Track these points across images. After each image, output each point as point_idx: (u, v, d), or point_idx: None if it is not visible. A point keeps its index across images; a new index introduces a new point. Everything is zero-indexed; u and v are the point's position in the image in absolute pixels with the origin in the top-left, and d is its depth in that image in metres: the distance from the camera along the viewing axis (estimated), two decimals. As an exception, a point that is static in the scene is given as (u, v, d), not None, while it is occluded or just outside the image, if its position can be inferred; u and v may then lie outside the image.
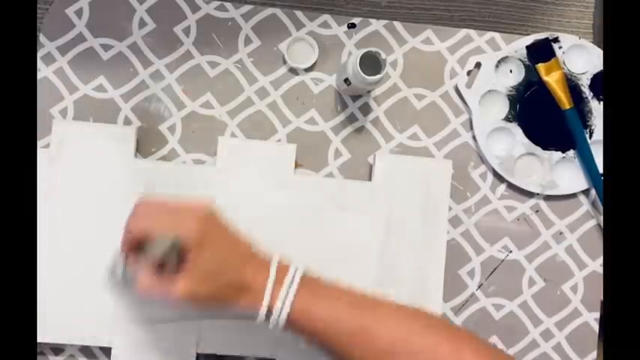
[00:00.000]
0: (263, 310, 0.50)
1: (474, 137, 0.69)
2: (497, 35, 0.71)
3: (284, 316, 0.49)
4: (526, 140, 0.69)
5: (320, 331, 0.50)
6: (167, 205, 0.52)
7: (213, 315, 0.58)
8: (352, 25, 0.70)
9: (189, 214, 0.51)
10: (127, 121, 0.67)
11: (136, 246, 0.52)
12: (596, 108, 0.70)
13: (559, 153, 0.69)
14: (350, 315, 0.50)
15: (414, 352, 0.48)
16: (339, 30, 0.70)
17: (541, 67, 0.69)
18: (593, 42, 0.71)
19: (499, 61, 0.70)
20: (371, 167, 0.67)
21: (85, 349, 0.64)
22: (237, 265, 0.51)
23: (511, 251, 0.69)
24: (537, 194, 0.69)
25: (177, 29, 0.68)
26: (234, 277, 0.50)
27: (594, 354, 0.68)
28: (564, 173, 0.69)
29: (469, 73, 0.70)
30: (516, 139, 0.69)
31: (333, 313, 0.50)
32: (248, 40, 0.69)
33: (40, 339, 0.61)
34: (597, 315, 0.68)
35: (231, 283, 0.50)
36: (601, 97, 0.70)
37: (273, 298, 0.50)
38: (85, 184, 0.62)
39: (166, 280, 0.50)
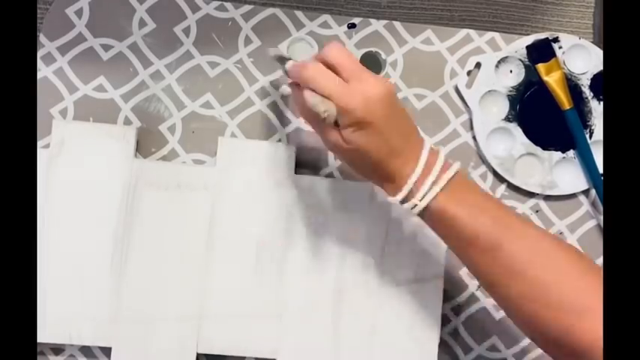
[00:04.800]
0: (403, 194, 0.51)
1: (473, 137, 0.69)
2: (497, 35, 0.71)
3: (418, 209, 0.51)
4: (526, 140, 0.69)
5: (453, 234, 0.51)
6: (351, 70, 0.52)
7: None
8: (352, 25, 0.70)
9: (366, 91, 0.51)
10: (127, 121, 0.67)
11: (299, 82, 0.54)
12: (596, 108, 0.70)
13: (559, 153, 0.69)
14: (489, 228, 0.50)
15: (546, 282, 0.48)
16: (339, 30, 0.70)
17: (541, 67, 0.69)
18: (593, 42, 0.71)
19: (499, 61, 0.70)
20: (371, 167, 0.67)
21: (85, 349, 0.64)
22: (388, 154, 0.52)
23: (511, 251, 0.68)
24: (537, 194, 0.69)
25: (177, 29, 0.68)
26: (383, 165, 0.52)
27: (594, 354, 0.68)
28: (564, 173, 0.69)
29: (469, 73, 0.70)
30: (516, 139, 0.69)
31: (472, 222, 0.50)
32: (248, 40, 0.69)
33: (40, 339, 0.61)
34: (597, 315, 0.68)
35: (378, 169, 0.52)
36: (601, 97, 0.70)
37: (415, 188, 0.51)
38: (85, 184, 0.63)
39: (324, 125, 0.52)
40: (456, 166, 0.52)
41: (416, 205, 0.51)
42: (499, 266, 0.50)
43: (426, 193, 0.51)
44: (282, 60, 0.57)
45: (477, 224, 0.50)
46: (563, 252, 0.51)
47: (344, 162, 0.55)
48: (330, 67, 0.52)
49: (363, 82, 0.51)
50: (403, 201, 0.52)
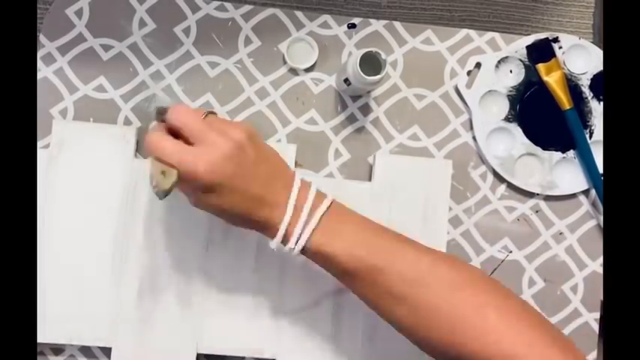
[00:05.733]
0: (277, 241, 0.51)
1: (473, 137, 0.69)
2: (497, 35, 0.71)
3: (296, 252, 0.51)
4: (526, 140, 0.69)
5: (333, 270, 0.51)
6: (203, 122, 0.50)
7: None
8: (352, 26, 0.70)
9: (209, 153, 0.49)
10: (127, 121, 0.67)
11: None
12: (596, 108, 0.70)
13: (559, 153, 0.69)
14: (366, 258, 0.50)
15: (428, 303, 0.48)
16: (339, 30, 0.70)
17: (541, 67, 0.69)
18: (593, 42, 0.71)
19: (499, 62, 0.70)
20: (371, 167, 0.67)
21: (85, 349, 0.64)
22: (250, 206, 0.50)
23: (511, 251, 0.69)
24: (537, 194, 0.69)
25: (177, 29, 0.68)
26: (250, 217, 0.51)
27: (594, 354, 0.68)
28: (564, 173, 0.69)
29: (469, 73, 0.70)
30: (516, 139, 0.69)
31: (348, 255, 0.50)
32: (248, 40, 0.69)
33: (40, 339, 0.61)
34: (597, 315, 0.68)
35: (246, 221, 0.51)
36: (601, 97, 0.70)
37: (289, 232, 0.50)
38: (85, 184, 0.63)
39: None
40: (327, 202, 0.52)
41: (293, 248, 0.51)
42: (381, 292, 0.50)
43: (299, 236, 0.50)
44: (161, 113, 0.54)
45: (352, 257, 0.50)
46: (443, 267, 0.51)
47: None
48: (175, 131, 0.51)
49: (206, 144, 0.49)
50: (281, 245, 0.51)
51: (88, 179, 0.63)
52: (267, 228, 0.51)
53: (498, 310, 0.48)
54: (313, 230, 0.50)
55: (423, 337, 0.49)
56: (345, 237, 0.51)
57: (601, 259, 0.69)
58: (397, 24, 0.70)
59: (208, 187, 0.49)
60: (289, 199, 0.51)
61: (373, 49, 0.59)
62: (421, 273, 0.50)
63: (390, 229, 0.53)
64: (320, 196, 0.52)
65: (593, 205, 0.70)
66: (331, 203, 0.52)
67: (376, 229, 0.53)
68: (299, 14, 0.70)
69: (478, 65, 0.70)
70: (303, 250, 0.51)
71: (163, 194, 0.48)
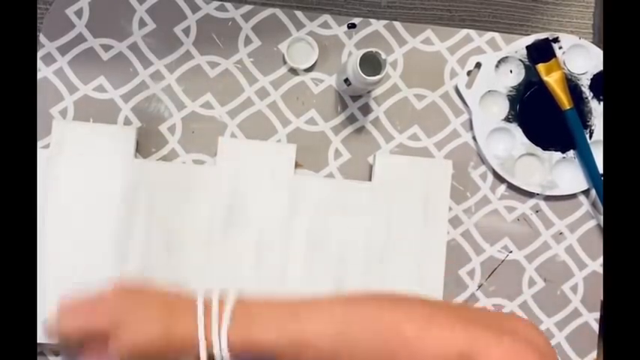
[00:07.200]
0: (203, 355, 0.48)
1: (473, 137, 0.69)
2: (497, 35, 0.71)
3: (226, 354, 0.48)
4: (526, 140, 0.69)
5: (266, 354, 0.49)
6: (78, 304, 0.51)
7: None
8: (352, 25, 0.70)
9: (98, 305, 0.50)
10: (127, 121, 0.67)
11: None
12: (596, 108, 0.70)
13: (559, 153, 0.69)
14: (286, 332, 0.48)
15: (354, 348, 0.47)
16: (339, 30, 0.70)
17: (541, 67, 0.69)
18: (593, 42, 0.71)
19: (499, 62, 0.70)
20: (371, 167, 0.67)
21: (85, 349, 0.64)
22: (161, 328, 0.49)
23: (511, 251, 0.69)
24: (537, 194, 0.69)
25: (177, 29, 0.68)
26: (164, 340, 0.49)
27: (594, 354, 0.68)
28: (564, 173, 0.69)
29: (469, 73, 0.70)
30: (516, 139, 0.69)
31: (271, 335, 0.48)
32: (248, 40, 0.69)
33: (40, 339, 0.61)
34: (597, 315, 0.68)
35: (163, 345, 0.49)
36: (601, 97, 0.70)
37: (208, 342, 0.48)
38: (85, 184, 0.62)
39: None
40: (232, 298, 0.49)
41: (220, 353, 0.48)
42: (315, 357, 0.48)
43: (219, 339, 0.48)
44: None
45: (278, 338, 0.48)
46: (354, 306, 0.49)
47: None
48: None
49: (94, 298, 0.51)
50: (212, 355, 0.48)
51: (88, 179, 0.63)
52: (189, 347, 0.48)
53: (411, 321, 0.47)
54: (228, 331, 0.48)
55: None
56: (261, 324, 0.49)
57: (601, 259, 0.69)
58: (397, 24, 0.70)
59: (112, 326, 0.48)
60: (197, 311, 0.49)
61: (373, 49, 0.59)
62: (338, 324, 0.48)
63: (295, 296, 0.51)
64: (222, 298, 0.50)
65: (593, 205, 0.70)
66: (235, 300, 0.50)
67: (284, 302, 0.50)
68: (299, 14, 0.70)
69: (478, 65, 0.70)
70: (232, 352, 0.48)
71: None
